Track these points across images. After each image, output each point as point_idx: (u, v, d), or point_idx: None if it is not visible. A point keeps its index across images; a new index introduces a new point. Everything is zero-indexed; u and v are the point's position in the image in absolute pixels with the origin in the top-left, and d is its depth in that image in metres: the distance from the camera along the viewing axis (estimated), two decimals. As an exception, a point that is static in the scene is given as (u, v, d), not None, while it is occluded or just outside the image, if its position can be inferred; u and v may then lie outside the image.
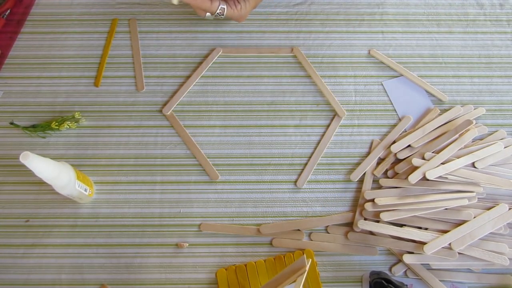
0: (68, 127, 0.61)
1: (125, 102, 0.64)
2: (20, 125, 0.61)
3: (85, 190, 0.55)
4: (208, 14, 0.59)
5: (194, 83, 0.65)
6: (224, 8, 0.58)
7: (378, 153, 0.60)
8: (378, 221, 0.56)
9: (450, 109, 0.62)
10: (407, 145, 0.60)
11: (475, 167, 0.57)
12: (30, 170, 0.46)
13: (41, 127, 0.61)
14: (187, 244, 0.56)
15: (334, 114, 0.63)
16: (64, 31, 0.68)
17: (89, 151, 0.61)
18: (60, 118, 0.62)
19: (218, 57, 0.67)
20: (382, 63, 0.67)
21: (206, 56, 0.67)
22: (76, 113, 0.62)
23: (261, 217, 0.58)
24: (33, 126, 0.61)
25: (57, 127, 0.60)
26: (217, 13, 0.58)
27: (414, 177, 0.55)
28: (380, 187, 0.58)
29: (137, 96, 0.64)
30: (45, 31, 0.69)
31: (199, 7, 0.56)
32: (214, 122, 0.63)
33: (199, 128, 0.62)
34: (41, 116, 0.63)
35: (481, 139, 0.61)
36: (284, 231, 0.57)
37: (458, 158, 0.57)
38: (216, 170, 0.60)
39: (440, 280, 0.53)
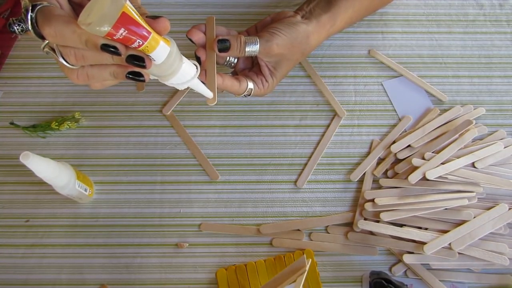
0: (68, 127, 0.61)
1: (125, 102, 0.64)
2: (20, 125, 0.61)
3: (85, 190, 0.55)
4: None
5: (194, 83, 0.65)
6: (251, 89, 0.52)
7: (378, 153, 0.60)
8: (378, 221, 0.56)
9: (450, 109, 0.62)
10: (407, 145, 0.60)
11: (475, 167, 0.57)
12: (30, 170, 0.46)
13: (41, 127, 0.61)
14: (187, 244, 0.56)
15: (334, 114, 0.63)
16: (64, 31, 0.68)
17: (89, 151, 0.61)
18: (60, 118, 0.62)
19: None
20: (382, 63, 0.67)
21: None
22: (76, 113, 0.62)
23: (261, 217, 0.58)
24: (33, 126, 0.61)
25: (57, 127, 0.60)
26: (244, 95, 0.52)
27: (414, 177, 0.55)
28: (380, 187, 0.58)
29: (137, 96, 0.64)
30: (45, 31, 0.68)
31: (226, 91, 0.51)
32: (214, 122, 0.63)
33: (199, 128, 0.62)
34: (41, 116, 0.63)
35: (481, 139, 0.61)
36: (284, 231, 0.57)
37: (458, 158, 0.57)
38: (216, 170, 0.60)
39: (440, 280, 0.53)
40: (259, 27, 0.56)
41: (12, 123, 0.62)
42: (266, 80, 0.53)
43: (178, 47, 0.39)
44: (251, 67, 0.56)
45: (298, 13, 0.55)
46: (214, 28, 0.50)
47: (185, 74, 0.41)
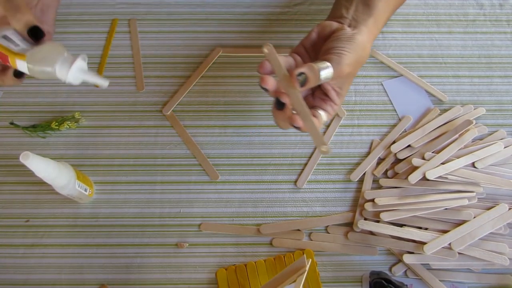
0: (68, 127, 0.61)
1: (125, 102, 0.64)
2: (20, 125, 0.61)
3: (85, 190, 0.55)
4: None
5: (194, 83, 0.65)
6: (325, 121, 0.49)
7: (378, 153, 0.60)
8: (378, 221, 0.56)
9: (450, 109, 0.62)
10: (407, 145, 0.60)
11: (475, 167, 0.57)
12: (30, 170, 0.46)
13: (41, 127, 0.61)
14: (187, 244, 0.56)
15: (334, 114, 0.63)
16: (64, 31, 0.68)
17: (89, 151, 0.61)
18: (60, 118, 0.62)
19: (218, 57, 0.67)
20: (382, 63, 0.67)
21: (206, 56, 0.67)
22: (76, 113, 0.62)
23: (261, 217, 0.58)
24: (33, 126, 0.61)
25: (57, 127, 0.60)
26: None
27: (414, 177, 0.56)
28: (380, 187, 0.58)
29: (137, 96, 0.64)
30: (45, 31, 0.68)
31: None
32: (214, 122, 0.63)
33: (199, 128, 0.62)
34: (41, 116, 0.63)
35: (481, 139, 0.61)
36: (284, 231, 0.57)
37: (458, 158, 0.57)
38: (216, 170, 0.60)
39: (440, 280, 0.53)
40: (307, 46, 0.51)
41: (12, 123, 0.62)
42: (335, 103, 0.49)
43: (43, 59, 0.45)
44: (311, 93, 0.51)
45: (342, 23, 0.51)
46: (278, 60, 0.44)
47: (63, 74, 0.45)
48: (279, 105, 0.45)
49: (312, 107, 0.49)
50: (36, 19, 0.47)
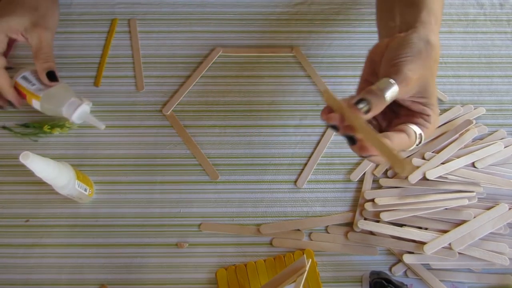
0: (59, 131, 0.61)
1: (125, 102, 0.64)
2: (13, 129, 0.61)
3: (85, 190, 0.55)
4: None
5: (194, 83, 0.65)
6: (421, 134, 0.43)
7: (378, 153, 0.60)
8: (378, 221, 0.56)
9: (450, 109, 0.62)
10: (407, 145, 0.60)
11: (475, 167, 0.57)
12: (30, 170, 0.46)
13: (34, 127, 0.61)
14: (187, 244, 0.56)
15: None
16: (64, 31, 0.68)
17: (89, 151, 0.61)
18: (51, 122, 0.61)
19: (218, 57, 0.67)
20: (382, 63, 0.66)
21: (206, 56, 0.67)
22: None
23: (261, 217, 0.58)
24: (26, 126, 0.61)
25: (49, 131, 0.60)
26: (416, 144, 0.44)
27: (414, 177, 0.55)
28: (380, 187, 0.58)
29: (137, 96, 0.64)
30: (45, 31, 0.68)
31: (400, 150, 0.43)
32: (214, 122, 0.63)
33: (199, 128, 0.62)
34: (41, 116, 0.62)
35: (481, 139, 0.61)
36: (284, 231, 0.57)
37: (458, 158, 0.57)
38: (216, 170, 0.60)
39: (440, 280, 0.53)
40: (368, 77, 0.46)
41: (4, 127, 0.61)
42: (426, 114, 0.43)
43: (55, 102, 0.57)
44: (393, 117, 0.46)
45: (393, 33, 0.46)
46: (336, 99, 0.41)
47: (69, 114, 0.57)
48: (351, 142, 0.41)
49: (401, 124, 0.43)
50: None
